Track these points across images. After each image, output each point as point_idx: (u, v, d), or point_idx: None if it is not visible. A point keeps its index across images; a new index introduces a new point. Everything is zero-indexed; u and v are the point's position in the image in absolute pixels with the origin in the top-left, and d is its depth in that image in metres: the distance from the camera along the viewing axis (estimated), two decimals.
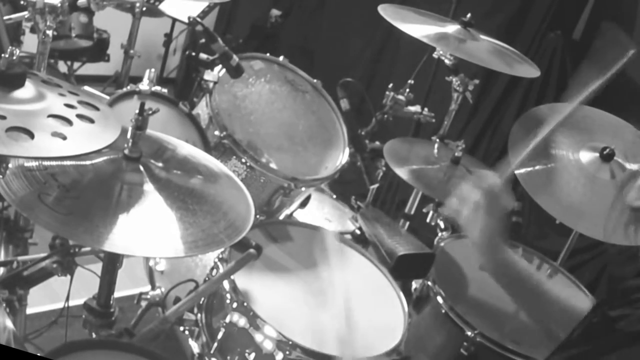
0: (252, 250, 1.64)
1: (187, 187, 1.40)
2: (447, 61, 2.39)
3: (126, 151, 1.35)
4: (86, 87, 1.70)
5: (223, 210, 1.39)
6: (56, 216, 1.19)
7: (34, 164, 1.28)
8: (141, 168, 1.36)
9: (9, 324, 1.39)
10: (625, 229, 1.25)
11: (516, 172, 2.03)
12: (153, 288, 2.05)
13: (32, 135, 1.10)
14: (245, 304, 1.63)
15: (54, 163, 1.29)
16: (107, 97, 1.94)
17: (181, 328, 1.74)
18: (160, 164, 1.41)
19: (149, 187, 1.33)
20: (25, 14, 1.81)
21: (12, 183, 1.22)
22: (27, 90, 1.20)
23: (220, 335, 1.68)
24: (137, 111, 1.34)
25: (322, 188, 2.63)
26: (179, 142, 1.58)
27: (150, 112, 1.35)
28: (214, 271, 1.81)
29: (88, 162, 1.32)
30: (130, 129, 1.34)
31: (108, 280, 1.48)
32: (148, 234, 1.26)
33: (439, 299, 1.99)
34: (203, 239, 1.28)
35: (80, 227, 1.20)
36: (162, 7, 3.54)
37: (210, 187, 1.46)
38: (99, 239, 1.19)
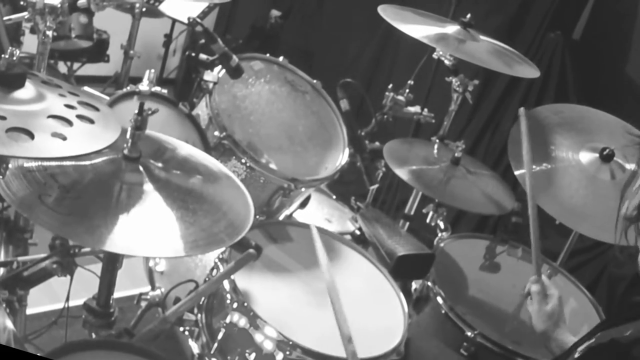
0: (251, 251, 1.64)
1: (187, 187, 1.40)
2: (446, 62, 2.39)
3: (125, 151, 1.35)
4: (86, 88, 1.69)
5: (223, 210, 1.39)
6: (56, 216, 1.20)
7: (33, 164, 1.28)
8: (140, 168, 1.36)
9: (9, 324, 1.39)
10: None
11: (516, 173, 2.04)
12: (153, 288, 2.04)
13: (32, 136, 1.10)
14: (245, 304, 1.63)
15: (53, 164, 1.29)
16: (107, 98, 1.94)
17: (181, 328, 1.74)
18: (160, 164, 1.41)
19: (148, 187, 1.33)
20: (25, 14, 1.81)
21: (12, 183, 1.22)
22: (27, 90, 1.20)
23: (220, 336, 1.67)
24: (136, 111, 1.35)
25: (322, 188, 2.63)
26: (179, 142, 1.59)
27: (149, 112, 1.36)
28: (214, 271, 1.81)
29: (87, 163, 1.32)
30: (129, 129, 1.34)
31: (108, 280, 1.48)
32: (148, 233, 1.27)
33: (439, 300, 2.00)
34: (203, 238, 1.29)
35: (80, 227, 1.20)
36: (162, 7, 3.54)
37: (209, 187, 1.46)
38: (100, 239, 1.19)
